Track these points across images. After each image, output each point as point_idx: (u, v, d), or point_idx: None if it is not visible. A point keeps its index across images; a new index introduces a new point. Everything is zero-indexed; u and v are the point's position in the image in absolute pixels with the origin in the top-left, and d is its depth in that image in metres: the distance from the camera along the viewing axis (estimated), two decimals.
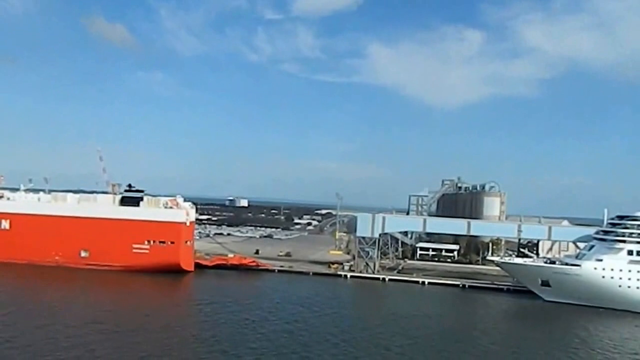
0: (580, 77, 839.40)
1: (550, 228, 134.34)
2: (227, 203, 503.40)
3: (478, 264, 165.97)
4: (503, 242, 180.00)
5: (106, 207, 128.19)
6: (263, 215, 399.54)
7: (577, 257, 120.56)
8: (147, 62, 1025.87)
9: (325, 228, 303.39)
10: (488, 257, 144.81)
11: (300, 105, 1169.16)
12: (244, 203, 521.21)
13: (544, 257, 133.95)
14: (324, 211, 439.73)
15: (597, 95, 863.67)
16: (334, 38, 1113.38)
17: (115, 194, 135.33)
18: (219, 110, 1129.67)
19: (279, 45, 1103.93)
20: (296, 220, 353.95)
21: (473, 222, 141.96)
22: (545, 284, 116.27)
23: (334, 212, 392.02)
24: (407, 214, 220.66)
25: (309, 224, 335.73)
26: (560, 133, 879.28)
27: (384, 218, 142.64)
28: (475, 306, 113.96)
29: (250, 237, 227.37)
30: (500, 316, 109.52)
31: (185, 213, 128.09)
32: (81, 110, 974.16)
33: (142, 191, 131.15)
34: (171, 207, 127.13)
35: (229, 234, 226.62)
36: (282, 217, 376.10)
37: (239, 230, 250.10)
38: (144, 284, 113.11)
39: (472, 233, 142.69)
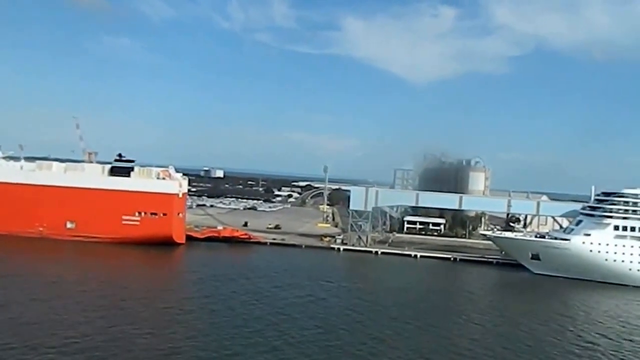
0: (548, 55, 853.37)
1: (538, 203, 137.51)
2: (202, 174, 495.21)
3: (464, 238, 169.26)
4: (487, 217, 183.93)
5: (95, 177, 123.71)
6: (240, 186, 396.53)
7: (564, 231, 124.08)
8: (115, 27, 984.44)
9: (307, 200, 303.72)
10: (480, 232, 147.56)
11: (273, 76, 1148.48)
12: (220, 174, 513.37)
13: (532, 232, 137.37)
14: (302, 183, 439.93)
15: (565, 74, 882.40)
16: (308, 9, 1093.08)
17: (91, 162, 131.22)
18: (190, 78, 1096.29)
19: (252, 13, 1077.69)
20: (276, 192, 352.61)
21: (465, 196, 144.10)
22: (535, 257, 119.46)
23: (314, 185, 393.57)
24: (392, 187, 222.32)
25: (290, 196, 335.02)
26: (527, 110, 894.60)
27: (377, 192, 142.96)
28: (472, 279, 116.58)
29: (234, 208, 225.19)
30: (500, 288, 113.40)
31: (178, 184, 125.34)
32: (48, 75, 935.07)
33: (132, 161, 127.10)
34: (163, 178, 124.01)
35: (211, 206, 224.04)
36: (261, 189, 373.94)
37: (221, 202, 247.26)
38: (138, 257, 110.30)
39: (463, 207, 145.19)
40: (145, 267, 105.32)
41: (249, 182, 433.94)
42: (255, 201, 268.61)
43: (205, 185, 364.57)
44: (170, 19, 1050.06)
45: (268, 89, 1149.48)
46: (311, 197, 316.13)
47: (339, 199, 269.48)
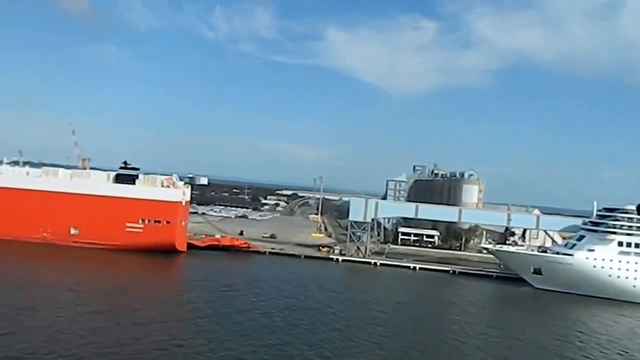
0: (527, 69, 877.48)
1: (538, 218, 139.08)
2: (186, 181, 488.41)
3: (458, 250, 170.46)
4: (481, 230, 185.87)
5: (100, 184, 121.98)
6: (226, 194, 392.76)
7: (565, 246, 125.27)
8: (101, 34, 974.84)
9: (295, 209, 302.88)
10: (481, 245, 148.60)
11: (256, 85, 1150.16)
12: (204, 181, 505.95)
13: (532, 246, 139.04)
14: (287, 192, 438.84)
15: (543, 87, 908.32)
16: (291, 20, 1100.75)
17: (85, 168, 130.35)
18: (174, 86, 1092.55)
19: (236, 24, 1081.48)
20: (263, 201, 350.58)
21: (464, 209, 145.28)
22: (537, 272, 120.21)
23: (300, 194, 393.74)
24: (384, 198, 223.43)
25: (277, 204, 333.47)
26: (505, 123, 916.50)
27: (376, 203, 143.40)
28: (477, 293, 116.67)
29: (225, 217, 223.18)
30: (508, 302, 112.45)
31: (182, 192, 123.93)
32: (34, 79, 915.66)
33: (137, 169, 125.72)
34: (168, 186, 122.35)
35: (203, 213, 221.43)
36: (247, 197, 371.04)
37: (211, 210, 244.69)
38: (144, 265, 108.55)
39: (463, 220, 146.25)
40: (156, 276, 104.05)
41: (234, 190, 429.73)
42: (244, 209, 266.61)
43: (192, 192, 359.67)
44: (156, 28, 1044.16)
45: (251, 98, 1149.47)
46: (298, 207, 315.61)
47: (327, 208, 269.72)
